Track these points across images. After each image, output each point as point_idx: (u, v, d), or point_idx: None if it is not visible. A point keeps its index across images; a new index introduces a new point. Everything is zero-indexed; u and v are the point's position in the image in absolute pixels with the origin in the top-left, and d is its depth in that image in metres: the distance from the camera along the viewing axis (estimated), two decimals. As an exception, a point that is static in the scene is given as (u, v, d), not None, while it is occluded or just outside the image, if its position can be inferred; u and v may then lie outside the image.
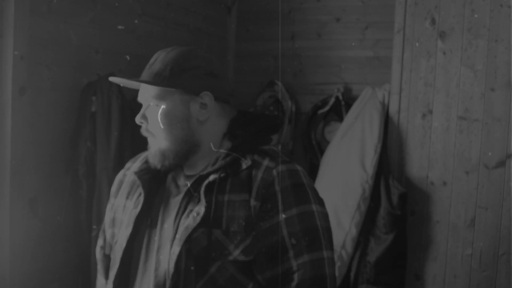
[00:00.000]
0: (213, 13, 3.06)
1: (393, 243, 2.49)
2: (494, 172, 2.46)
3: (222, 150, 1.24)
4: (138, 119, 1.26)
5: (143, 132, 1.26)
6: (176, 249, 1.16)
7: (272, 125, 1.34)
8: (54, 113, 2.01)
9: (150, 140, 1.26)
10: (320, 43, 3.03)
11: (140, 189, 1.27)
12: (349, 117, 2.69)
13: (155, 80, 1.22)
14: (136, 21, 2.39)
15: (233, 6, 3.21)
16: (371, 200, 2.53)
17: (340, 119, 2.85)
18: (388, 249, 2.48)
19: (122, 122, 2.05)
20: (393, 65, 2.63)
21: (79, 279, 2.11)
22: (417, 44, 2.55)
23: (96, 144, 2.03)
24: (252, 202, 1.17)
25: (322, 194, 1.27)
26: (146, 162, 1.29)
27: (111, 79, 1.30)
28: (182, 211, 1.20)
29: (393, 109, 2.63)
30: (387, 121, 2.63)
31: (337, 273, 2.23)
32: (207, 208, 1.16)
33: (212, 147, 1.25)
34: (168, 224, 1.21)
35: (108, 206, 1.39)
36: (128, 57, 2.30)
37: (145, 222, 1.25)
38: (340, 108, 2.88)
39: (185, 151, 1.23)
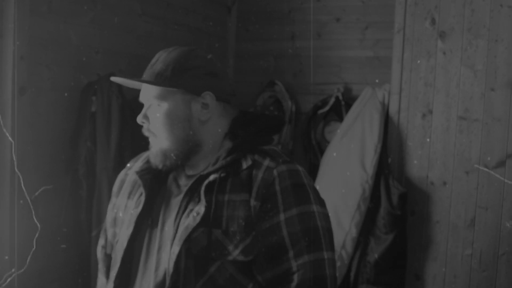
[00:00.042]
0: (213, 13, 3.06)
1: (393, 243, 2.48)
2: (494, 172, 2.46)
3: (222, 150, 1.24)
4: (139, 119, 1.26)
5: (145, 132, 1.26)
6: (176, 248, 1.16)
7: (274, 125, 1.34)
8: (54, 113, 2.01)
9: (151, 140, 1.26)
10: (320, 43, 3.03)
11: (142, 189, 1.27)
12: (349, 117, 2.69)
13: (157, 80, 1.22)
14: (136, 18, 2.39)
15: (233, 6, 3.21)
16: (371, 200, 2.53)
17: (340, 119, 2.85)
18: (388, 249, 2.48)
19: (122, 122, 2.05)
20: (393, 65, 2.63)
21: (79, 279, 2.11)
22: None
23: (96, 144, 2.03)
24: (252, 202, 1.17)
25: (322, 194, 1.27)
26: (148, 161, 1.29)
27: (113, 79, 1.30)
28: (182, 210, 1.20)
29: (393, 109, 2.63)
30: (387, 121, 2.63)
31: (337, 274, 2.23)
32: (207, 207, 1.16)
33: (213, 147, 1.25)
34: (169, 224, 1.21)
35: (110, 206, 1.39)
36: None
37: (146, 222, 1.25)
38: (340, 108, 2.88)
39: (186, 151, 1.23)
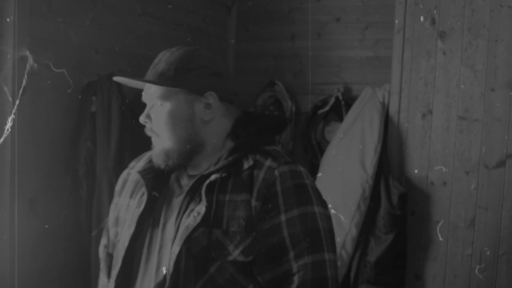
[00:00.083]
0: (213, 13, 3.06)
1: (393, 243, 2.48)
2: (494, 172, 2.46)
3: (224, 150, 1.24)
4: (142, 119, 1.25)
5: (147, 131, 1.26)
6: (176, 248, 1.16)
7: (276, 125, 1.33)
8: (54, 113, 2.01)
9: (154, 140, 1.26)
10: (320, 43, 3.03)
11: (144, 188, 1.27)
12: (349, 117, 2.69)
13: (160, 80, 1.22)
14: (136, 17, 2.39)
15: (233, 6, 3.21)
16: (371, 200, 2.53)
17: (340, 119, 2.85)
18: (388, 249, 2.48)
19: (122, 122, 2.05)
20: (393, 65, 2.63)
21: (79, 279, 2.11)
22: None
23: (96, 144, 2.03)
24: (253, 202, 1.16)
25: (322, 194, 1.26)
26: (150, 161, 1.29)
27: (116, 78, 1.30)
28: (183, 210, 1.20)
29: (393, 109, 2.63)
30: (387, 121, 2.63)
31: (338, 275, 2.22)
32: (208, 207, 1.16)
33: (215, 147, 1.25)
34: (170, 224, 1.21)
35: (112, 205, 1.39)
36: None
37: (148, 222, 1.25)
38: (340, 108, 2.88)
39: (189, 151, 1.23)
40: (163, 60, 1.24)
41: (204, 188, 1.18)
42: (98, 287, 1.41)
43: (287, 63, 3.10)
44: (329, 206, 1.28)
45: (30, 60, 1.79)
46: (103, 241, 1.40)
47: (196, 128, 1.23)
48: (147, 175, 1.28)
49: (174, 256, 1.15)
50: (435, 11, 2.54)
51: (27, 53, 1.80)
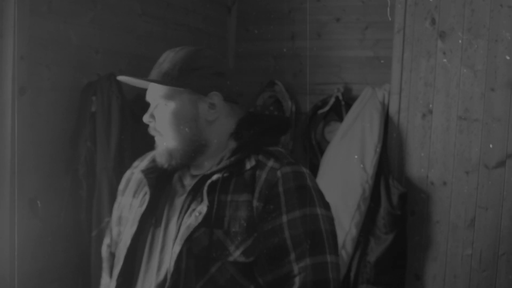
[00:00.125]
0: (213, 13, 3.06)
1: (393, 243, 2.48)
2: (494, 172, 2.46)
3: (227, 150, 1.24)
4: (146, 118, 1.25)
5: (151, 131, 1.26)
6: (177, 248, 1.15)
7: (280, 126, 1.33)
8: (54, 113, 2.01)
9: (157, 139, 1.26)
10: (320, 43, 3.03)
11: (146, 188, 1.27)
12: (349, 117, 2.69)
13: (164, 80, 1.22)
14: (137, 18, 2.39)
15: (233, 6, 3.21)
16: (371, 200, 2.53)
17: (340, 119, 2.85)
18: (388, 249, 2.48)
19: (122, 122, 2.05)
20: (393, 65, 2.63)
21: (79, 279, 2.11)
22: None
23: (96, 144, 2.02)
24: (255, 203, 1.16)
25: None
26: (154, 161, 1.29)
27: (120, 78, 1.29)
28: (185, 210, 1.20)
29: (393, 109, 2.63)
30: (387, 121, 2.63)
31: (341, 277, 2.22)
32: (209, 207, 1.16)
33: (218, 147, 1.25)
34: (172, 224, 1.21)
35: (115, 204, 1.39)
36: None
37: (150, 221, 1.25)
38: (340, 108, 2.88)
39: (192, 151, 1.23)
40: (167, 59, 1.24)
41: (205, 188, 1.18)
42: (100, 286, 1.41)
43: (287, 63, 3.10)
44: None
45: None
46: (106, 240, 1.40)
47: (200, 128, 1.23)
48: (150, 174, 1.28)
49: (175, 256, 1.15)
50: (435, 11, 2.54)
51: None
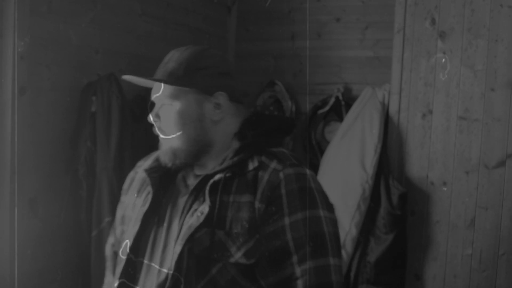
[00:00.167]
0: (213, 13, 3.06)
1: (393, 243, 2.48)
2: (494, 172, 2.46)
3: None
4: (151, 118, 1.24)
5: (156, 130, 1.25)
6: (178, 248, 1.15)
7: (284, 126, 1.32)
8: (54, 113, 2.01)
9: (161, 138, 1.26)
10: (320, 43, 3.03)
11: (150, 187, 1.27)
12: (349, 117, 2.69)
13: (169, 79, 1.21)
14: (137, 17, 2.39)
15: (233, 6, 3.21)
16: (371, 200, 2.53)
17: (340, 119, 2.85)
18: (388, 249, 2.48)
19: (122, 122, 2.05)
20: (393, 65, 2.63)
21: (79, 279, 2.11)
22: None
23: (96, 144, 2.02)
24: (257, 204, 1.15)
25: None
26: (157, 160, 1.28)
27: (125, 77, 1.28)
28: (187, 210, 1.20)
29: (393, 109, 2.63)
30: (387, 121, 2.63)
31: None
32: (211, 207, 1.15)
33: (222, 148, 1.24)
34: (175, 223, 1.21)
35: (119, 204, 1.39)
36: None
37: (152, 220, 1.25)
38: (340, 108, 2.88)
39: (196, 151, 1.23)
40: (173, 59, 1.23)
41: (207, 188, 1.17)
42: (103, 285, 1.41)
43: (287, 63, 3.10)
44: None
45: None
46: (110, 239, 1.40)
47: (205, 128, 1.22)
48: (153, 173, 1.27)
49: (176, 256, 1.15)
50: (435, 11, 2.54)
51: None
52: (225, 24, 3.19)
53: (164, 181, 1.28)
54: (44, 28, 1.94)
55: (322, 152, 2.85)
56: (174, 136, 1.22)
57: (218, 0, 3.12)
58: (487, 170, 2.47)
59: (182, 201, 1.23)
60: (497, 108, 2.45)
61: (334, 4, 3.00)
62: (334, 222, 1.20)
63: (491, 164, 2.47)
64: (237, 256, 1.13)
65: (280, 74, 3.09)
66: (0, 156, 1.81)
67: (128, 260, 1.24)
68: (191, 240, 1.14)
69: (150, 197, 1.26)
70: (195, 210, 1.18)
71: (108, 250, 1.39)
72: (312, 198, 1.18)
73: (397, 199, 2.50)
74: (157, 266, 1.20)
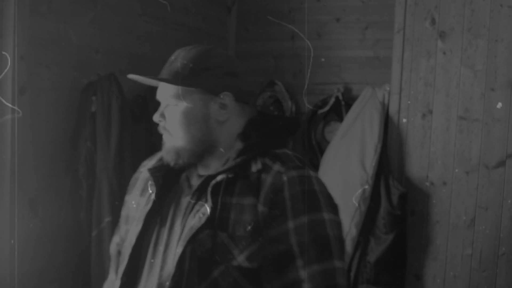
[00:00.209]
0: (213, 13, 3.06)
1: (393, 243, 2.48)
2: (494, 172, 2.46)
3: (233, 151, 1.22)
4: (156, 118, 1.23)
5: (161, 129, 1.24)
6: (180, 249, 1.14)
7: (288, 127, 1.31)
8: (54, 113, 2.01)
9: (165, 137, 1.24)
10: (320, 43, 3.03)
11: (153, 187, 1.26)
12: (349, 117, 2.69)
13: (175, 79, 1.20)
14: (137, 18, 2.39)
15: (233, 6, 3.21)
16: (371, 200, 2.53)
17: (340, 119, 2.85)
18: (388, 249, 2.48)
19: (122, 122, 2.05)
20: (393, 65, 2.63)
21: (79, 279, 2.11)
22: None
23: (96, 144, 2.02)
24: (260, 208, 1.13)
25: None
26: (161, 160, 1.27)
27: (130, 76, 1.27)
28: (189, 210, 1.19)
29: (393, 109, 2.63)
30: (387, 121, 2.63)
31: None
32: (213, 209, 1.14)
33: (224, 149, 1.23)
34: (177, 224, 1.20)
35: (124, 203, 1.39)
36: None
37: (155, 220, 1.24)
38: (340, 108, 2.88)
39: (201, 151, 1.22)
40: (178, 58, 1.22)
41: (209, 189, 1.16)
42: (105, 282, 1.41)
43: (287, 63, 3.10)
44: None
45: None
46: (115, 238, 1.39)
47: (210, 128, 1.21)
48: (157, 173, 1.26)
49: (177, 257, 1.14)
50: (435, 11, 2.54)
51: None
52: (225, 24, 3.19)
53: (168, 181, 1.27)
54: (44, 28, 1.94)
55: (322, 152, 2.85)
56: (178, 136, 1.21)
57: (218, 0, 3.12)
58: (487, 170, 2.47)
59: (185, 201, 1.22)
60: (497, 108, 2.45)
61: (334, 4, 3.00)
62: (338, 225, 1.18)
63: (491, 164, 2.47)
64: (240, 259, 1.12)
65: (280, 74, 3.09)
66: (0, 156, 1.81)
67: (130, 260, 1.24)
68: (193, 241, 1.13)
69: (153, 196, 1.25)
70: (197, 211, 1.17)
71: (112, 249, 1.39)
72: (316, 201, 1.16)
73: (397, 199, 2.50)
74: (158, 267, 1.19)
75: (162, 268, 1.18)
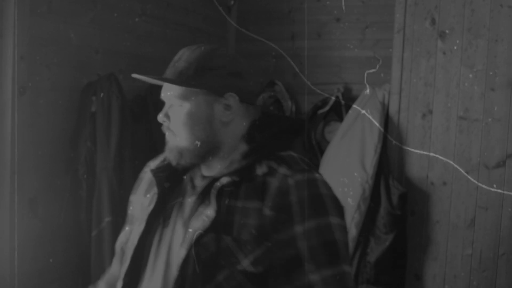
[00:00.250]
0: (213, 13, 3.06)
1: (393, 243, 2.48)
2: (494, 172, 2.46)
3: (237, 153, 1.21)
4: (160, 118, 1.22)
5: (165, 129, 1.23)
6: (183, 252, 1.13)
7: (293, 128, 1.30)
8: (54, 113, 2.01)
9: (168, 136, 1.23)
10: (320, 43, 3.03)
11: (155, 187, 1.26)
12: (349, 117, 2.69)
13: (179, 79, 1.19)
14: (136, 20, 2.39)
15: (233, 6, 3.21)
16: (371, 200, 2.53)
17: (340, 119, 2.85)
18: (388, 249, 2.48)
19: (122, 122, 2.05)
20: (393, 65, 2.63)
21: (79, 279, 2.11)
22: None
23: (96, 144, 2.02)
24: (266, 212, 1.12)
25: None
26: (165, 160, 1.27)
27: (134, 75, 1.26)
28: (193, 213, 1.18)
29: (393, 109, 2.63)
30: (387, 121, 2.63)
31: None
32: (217, 212, 1.13)
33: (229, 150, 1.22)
34: (180, 225, 1.20)
35: (129, 203, 1.38)
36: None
37: (158, 221, 1.23)
38: (340, 108, 2.88)
39: (204, 152, 1.20)
40: (183, 58, 1.20)
41: (213, 192, 1.15)
42: (105, 274, 1.41)
43: (287, 63, 3.10)
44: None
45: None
46: (121, 237, 1.40)
47: (214, 129, 1.20)
48: (160, 173, 1.26)
49: (180, 260, 1.13)
50: (435, 11, 2.54)
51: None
52: (225, 24, 3.19)
53: (171, 181, 1.26)
54: (44, 28, 1.94)
55: (322, 152, 2.85)
56: (182, 137, 1.20)
57: (218, 0, 3.12)
58: (487, 170, 2.47)
59: (188, 202, 1.21)
60: (497, 108, 2.45)
61: (334, 4, 3.00)
62: (344, 229, 1.17)
63: (491, 164, 2.46)
64: (245, 263, 1.10)
65: (280, 74, 3.09)
66: (0, 156, 1.81)
67: (133, 261, 1.23)
68: (197, 244, 1.12)
69: (155, 197, 1.25)
70: (201, 213, 1.16)
71: (117, 246, 1.39)
72: (323, 205, 1.15)
73: (397, 199, 2.50)
74: (162, 268, 1.18)
75: (165, 271, 1.17)
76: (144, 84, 1.31)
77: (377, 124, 2.59)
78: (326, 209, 1.15)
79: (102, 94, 2.02)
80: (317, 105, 2.95)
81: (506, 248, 2.45)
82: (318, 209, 1.14)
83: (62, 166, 2.05)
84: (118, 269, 1.35)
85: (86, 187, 2.03)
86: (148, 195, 1.30)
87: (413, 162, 2.59)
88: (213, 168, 1.23)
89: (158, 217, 1.24)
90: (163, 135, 1.26)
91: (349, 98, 2.90)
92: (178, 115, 1.20)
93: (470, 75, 2.49)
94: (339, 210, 1.19)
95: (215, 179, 1.18)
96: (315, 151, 2.92)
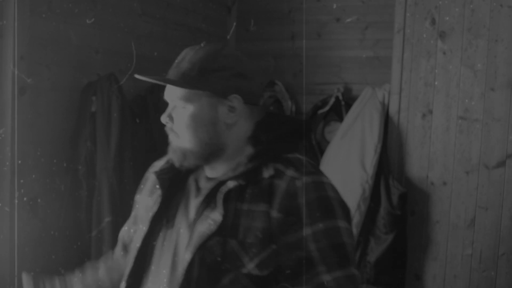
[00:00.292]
0: (213, 13, 3.06)
1: (393, 243, 2.49)
2: (494, 172, 2.46)
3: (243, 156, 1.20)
4: (164, 119, 1.21)
5: (168, 130, 1.22)
6: (188, 255, 1.12)
7: (299, 130, 1.29)
8: (54, 113, 2.01)
9: (171, 137, 1.22)
10: (320, 43, 3.03)
11: (159, 189, 1.25)
12: (349, 117, 2.69)
13: (182, 81, 1.17)
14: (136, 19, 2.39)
15: (233, 6, 3.21)
16: (371, 200, 2.53)
17: (340, 119, 2.85)
18: (388, 249, 2.48)
19: (122, 122, 2.05)
20: (393, 65, 2.63)
21: (79, 279, 2.10)
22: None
23: (96, 144, 2.02)
24: (274, 214, 1.11)
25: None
26: (169, 161, 1.26)
27: (137, 76, 1.24)
28: (199, 215, 1.17)
29: (393, 109, 2.63)
30: (387, 121, 2.63)
31: None
32: (224, 216, 1.12)
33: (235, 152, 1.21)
34: (184, 227, 1.19)
35: (134, 203, 1.39)
36: None
37: (161, 222, 1.23)
38: (340, 108, 2.88)
39: (207, 154, 1.19)
40: (186, 58, 1.18)
41: (220, 195, 1.14)
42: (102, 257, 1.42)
43: (287, 63, 3.10)
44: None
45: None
46: (124, 229, 1.41)
47: (218, 131, 1.18)
48: (163, 175, 1.25)
49: (185, 264, 1.12)
50: (435, 11, 2.54)
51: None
52: (225, 24, 3.19)
53: (175, 183, 1.25)
54: (44, 28, 1.94)
55: (322, 152, 2.85)
56: (186, 138, 1.18)
57: (218, 0, 3.12)
58: (487, 170, 2.47)
59: (193, 204, 1.21)
60: (497, 108, 2.45)
61: (334, 4, 3.00)
62: (351, 233, 1.17)
63: (491, 164, 2.47)
64: (250, 266, 1.10)
65: (280, 74, 3.09)
66: (0, 156, 1.81)
67: (136, 262, 1.22)
68: (203, 248, 1.11)
69: (159, 198, 1.24)
70: (207, 217, 1.14)
71: (120, 237, 1.40)
72: (331, 208, 1.14)
73: (397, 199, 2.50)
74: (167, 270, 1.17)
75: (170, 274, 1.16)
76: (144, 84, 1.30)
77: (377, 124, 2.59)
78: (334, 212, 1.14)
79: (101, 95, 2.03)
80: (317, 105, 2.95)
81: (506, 248, 2.45)
82: (326, 212, 1.13)
83: (62, 166, 2.05)
84: (119, 255, 1.36)
85: (86, 187, 2.03)
86: (152, 196, 1.30)
87: (413, 162, 2.60)
88: (218, 170, 1.22)
89: (162, 219, 1.23)
90: (163, 135, 1.25)
91: (349, 98, 2.90)
92: (181, 117, 1.18)
93: (470, 75, 2.49)
94: (347, 214, 1.18)
95: (221, 182, 1.16)
96: (315, 151, 2.92)
